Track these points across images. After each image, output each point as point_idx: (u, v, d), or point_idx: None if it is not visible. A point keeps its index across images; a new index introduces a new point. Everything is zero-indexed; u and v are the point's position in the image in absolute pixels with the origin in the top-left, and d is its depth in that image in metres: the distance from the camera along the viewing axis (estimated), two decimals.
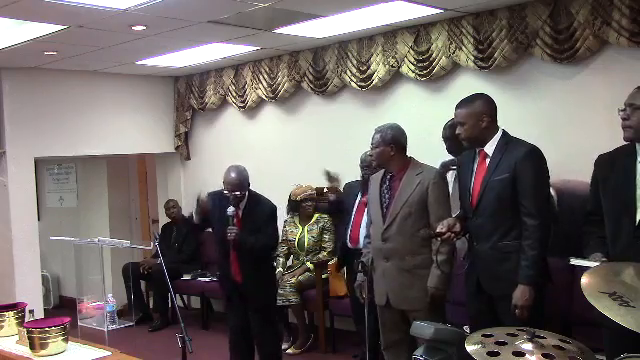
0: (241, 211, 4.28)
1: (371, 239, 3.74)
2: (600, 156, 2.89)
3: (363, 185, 4.60)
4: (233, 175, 4.23)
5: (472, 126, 3.21)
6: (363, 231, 4.48)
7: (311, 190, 5.67)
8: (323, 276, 5.42)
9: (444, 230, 3.18)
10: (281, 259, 5.71)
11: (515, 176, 3.08)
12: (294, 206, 5.71)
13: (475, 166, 3.26)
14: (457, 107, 3.29)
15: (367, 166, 4.55)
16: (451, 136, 4.39)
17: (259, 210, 4.32)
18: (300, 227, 5.66)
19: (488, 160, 3.21)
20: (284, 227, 5.75)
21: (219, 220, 4.29)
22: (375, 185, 3.75)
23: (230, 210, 4.18)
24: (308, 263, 5.56)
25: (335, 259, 5.29)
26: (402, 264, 3.53)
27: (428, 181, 3.54)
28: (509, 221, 3.11)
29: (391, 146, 3.63)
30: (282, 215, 5.77)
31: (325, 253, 5.58)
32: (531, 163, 3.09)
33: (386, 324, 3.70)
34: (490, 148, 3.21)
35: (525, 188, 3.07)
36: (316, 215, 5.68)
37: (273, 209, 4.39)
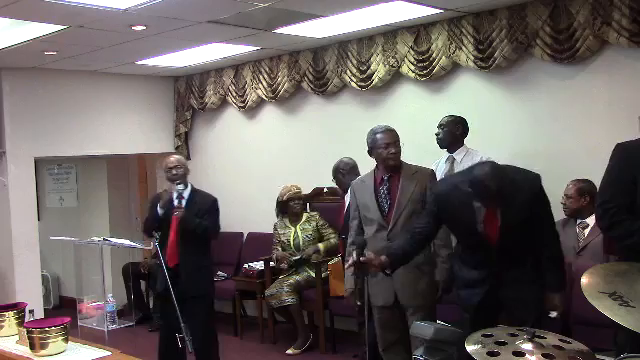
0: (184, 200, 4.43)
1: (369, 242, 3.64)
2: (626, 145, 2.62)
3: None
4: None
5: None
6: None
7: (296, 189, 5.68)
8: (322, 275, 5.40)
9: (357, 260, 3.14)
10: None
11: (531, 215, 3.07)
12: (282, 207, 5.71)
13: (482, 209, 3.08)
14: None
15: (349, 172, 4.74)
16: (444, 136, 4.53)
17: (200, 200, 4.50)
18: (292, 227, 5.65)
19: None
20: (275, 230, 5.75)
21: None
22: (367, 190, 3.73)
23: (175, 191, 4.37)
24: (320, 245, 5.53)
25: (336, 259, 5.29)
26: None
27: (426, 178, 3.67)
28: (527, 249, 3.16)
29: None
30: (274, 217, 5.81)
31: (333, 239, 5.56)
32: (544, 199, 3.14)
33: (386, 325, 3.72)
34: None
35: (545, 222, 3.15)
36: (305, 214, 5.70)
37: (215, 200, 4.55)
